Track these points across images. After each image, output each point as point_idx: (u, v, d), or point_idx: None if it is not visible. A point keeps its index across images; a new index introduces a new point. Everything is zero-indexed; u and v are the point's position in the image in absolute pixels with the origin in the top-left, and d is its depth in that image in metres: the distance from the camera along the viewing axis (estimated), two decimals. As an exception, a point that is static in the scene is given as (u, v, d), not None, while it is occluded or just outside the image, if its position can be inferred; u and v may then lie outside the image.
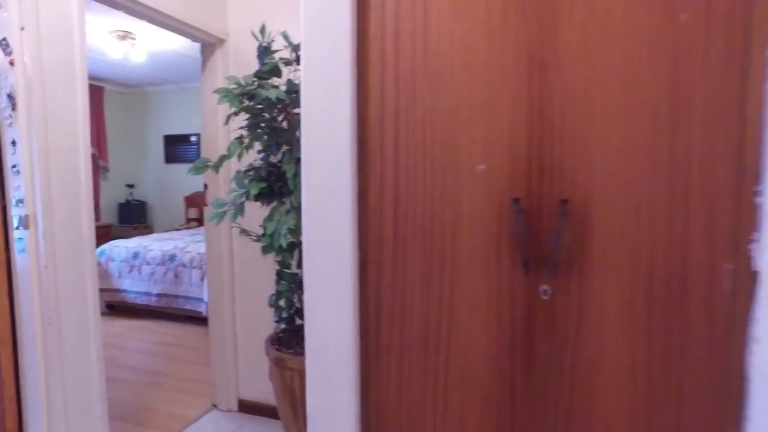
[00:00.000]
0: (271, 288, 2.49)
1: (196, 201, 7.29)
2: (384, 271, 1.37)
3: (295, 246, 2.15)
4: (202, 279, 4.66)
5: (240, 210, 2.11)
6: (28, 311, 2.02)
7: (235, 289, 3.05)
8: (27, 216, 1.97)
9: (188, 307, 4.75)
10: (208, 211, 2.83)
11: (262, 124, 2.11)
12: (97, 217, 6.89)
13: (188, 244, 5.06)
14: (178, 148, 7.40)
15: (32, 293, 1.98)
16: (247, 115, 2.11)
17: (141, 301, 4.94)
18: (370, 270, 1.39)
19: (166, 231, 7.02)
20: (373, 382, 1.41)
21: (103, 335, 4.72)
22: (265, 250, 2.08)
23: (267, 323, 2.80)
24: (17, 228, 2.00)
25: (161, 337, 4.50)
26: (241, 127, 2.16)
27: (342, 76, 1.32)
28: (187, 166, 7.40)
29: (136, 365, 3.85)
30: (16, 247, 2.03)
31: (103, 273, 5.12)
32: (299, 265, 2.27)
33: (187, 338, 4.44)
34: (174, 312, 4.93)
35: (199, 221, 7.23)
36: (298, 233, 2.01)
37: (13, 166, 2.00)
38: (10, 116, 1.97)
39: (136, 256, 5.02)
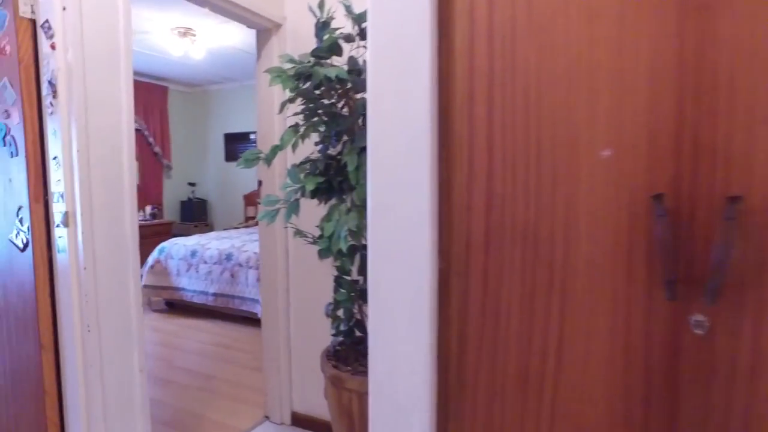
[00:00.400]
0: (328, 295, 2.23)
1: (254, 199, 7.22)
2: (472, 286, 1.06)
3: (357, 250, 1.88)
4: (258, 280, 4.50)
5: (294, 208, 1.86)
6: (68, 315, 1.85)
7: (290, 294, 2.82)
8: (67, 213, 1.80)
9: (244, 308, 4.61)
10: (260, 210, 2.62)
11: (320, 111, 1.85)
12: (160, 215, 6.96)
13: (245, 243, 4.93)
14: (238, 146, 7.36)
15: (72, 297, 1.81)
16: (303, 101, 1.86)
17: (198, 300, 4.85)
18: (453, 284, 1.08)
19: (225, 229, 6.99)
20: (453, 428, 1.11)
21: (160, 334, 4.72)
22: (323, 254, 1.82)
23: (324, 332, 2.55)
24: (58, 225, 1.83)
25: (216, 337, 4.38)
26: (296, 113, 1.91)
27: (419, 36, 1.03)
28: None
29: (189, 367, 3.72)
30: (57, 246, 1.87)
31: (162, 271, 5.08)
32: (360, 272, 2.00)
33: (241, 340, 4.30)
34: (230, 312, 4.81)
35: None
36: (360, 235, 1.73)
37: (54, 158, 1.83)
38: (51, 104, 1.81)
39: (193, 254, 4.95)
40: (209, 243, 5.03)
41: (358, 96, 1.83)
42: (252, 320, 4.66)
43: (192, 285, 4.91)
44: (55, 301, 1.92)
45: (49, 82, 1.80)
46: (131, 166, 1.96)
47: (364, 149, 1.65)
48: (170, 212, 7.45)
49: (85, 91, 1.80)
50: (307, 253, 2.66)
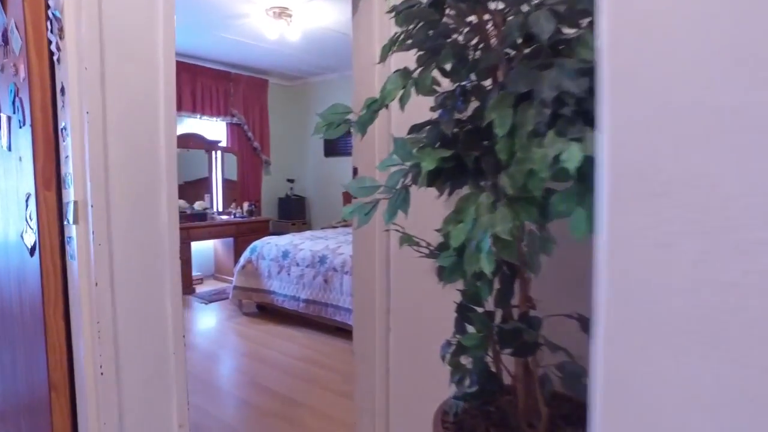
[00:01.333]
0: (447, 327, 1.50)
1: (352, 196, 6.68)
2: None
3: (501, 269, 1.13)
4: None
5: (401, 201, 1.15)
6: (78, 349, 1.29)
7: (391, 318, 2.12)
8: (76, 203, 1.23)
9: (338, 318, 4.02)
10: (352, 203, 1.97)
11: (444, 41, 1.11)
12: (257, 212, 6.65)
13: (341, 245, 4.35)
14: (339, 140, 6.87)
15: (81, 323, 1.24)
16: (417, 28, 1.13)
17: (289, 305, 4.35)
18: None
19: (322, 228, 6.51)
20: None
21: (246, 342, 4.29)
22: (447, 275, 1.09)
23: (438, 378, 1.82)
24: (66, 222, 1.27)
25: (305, 351, 3.83)
26: (409, 46, 1.18)
27: None
28: (348, 158, 6.83)
29: (272, 386, 3.17)
30: (68, 250, 1.31)
31: (254, 271, 4.65)
32: (500, 302, 1.25)
33: (333, 356, 3.70)
34: (322, 321, 4.25)
35: (356, 219, 6.61)
36: (512, 248, 0.98)
37: (63, 128, 1.28)
38: (58, 48, 1.25)
39: (285, 255, 4.45)
40: (302, 243, 4.52)
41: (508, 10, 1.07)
42: (346, 332, 4.06)
43: (283, 289, 4.42)
44: (71, 327, 1.37)
45: (54, 17, 1.24)
46: (170, 138, 1.36)
47: (524, 97, 0.91)
48: (268, 209, 7.14)
49: (100, 27, 1.22)
50: (419, 267, 1.95)
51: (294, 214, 7.01)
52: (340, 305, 4.00)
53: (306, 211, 7.29)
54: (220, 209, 6.29)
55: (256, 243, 4.80)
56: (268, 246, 4.65)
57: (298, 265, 4.32)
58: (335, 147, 6.91)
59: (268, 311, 4.79)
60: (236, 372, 3.47)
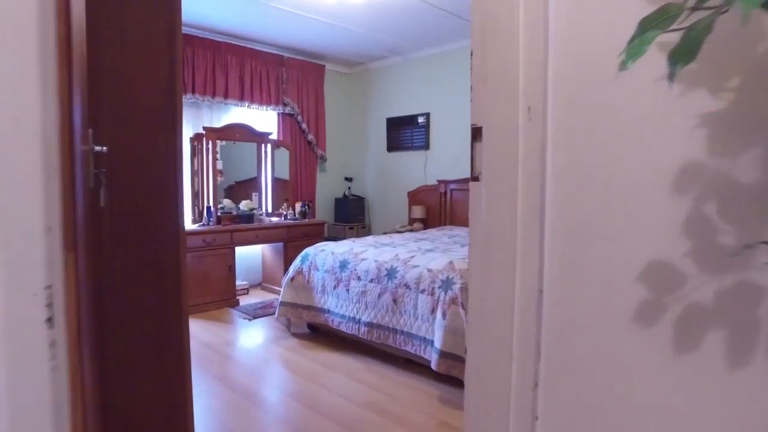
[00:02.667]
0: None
1: (421, 197, 5.73)
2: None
3: None
4: (433, 311, 2.93)
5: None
6: None
7: (540, 398, 1.14)
8: None
9: (409, 348, 3.06)
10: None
11: None
12: (312, 214, 5.81)
13: (414, 254, 3.39)
14: (402, 132, 5.95)
15: None
16: None
17: (347, 328, 3.44)
18: None
19: (385, 233, 5.58)
20: None
21: (292, 374, 3.12)
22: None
23: None
24: None
25: (365, 389, 2.89)
26: None
27: None
28: (413, 154, 5.88)
29: (328, 455, 2.25)
30: None
31: (304, 285, 3.78)
32: None
33: (402, 399, 2.75)
34: (390, 351, 3.32)
35: (425, 222, 5.65)
36: None
37: None
38: None
39: (344, 266, 3.55)
40: (365, 252, 3.59)
41: None
42: (419, 366, 3.10)
43: (340, 308, 3.51)
44: None
45: None
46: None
47: None
48: (323, 211, 6.30)
49: None
50: (616, 309, 0.97)
51: (352, 216, 6.14)
52: (413, 332, 3.04)
53: (366, 214, 6.41)
54: (269, 210, 5.49)
55: (309, 250, 3.93)
56: (323, 254, 3.77)
57: (359, 279, 3.41)
58: (399, 141, 5.98)
59: (321, 332, 3.90)
60: (276, 420, 2.59)
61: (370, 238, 4.28)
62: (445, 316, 2.80)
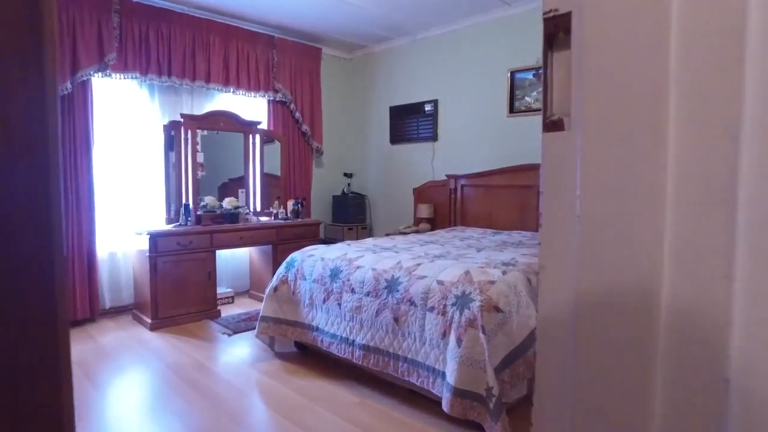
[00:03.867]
0: None
1: (428, 194, 5.08)
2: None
3: None
4: (444, 335, 2.29)
5: None
6: None
7: None
8: None
9: (414, 379, 2.42)
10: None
11: None
12: (305, 213, 5.18)
13: (420, 261, 2.75)
14: (408, 122, 5.31)
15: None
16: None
17: (338, 350, 2.81)
18: None
19: (387, 235, 4.95)
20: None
21: (271, 410, 2.14)
22: None
23: None
24: None
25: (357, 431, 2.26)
26: None
27: None
28: (419, 146, 5.23)
29: None
30: None
31: (288, 297, 3.15)
32: None
33: (410, 456, 2.11)
34: (390, 380, 2.68)
35: (432, 222, 5.01)
36: None
37: None
38: None
39: (335, 274, 2.91)
40: (360, 258, 2.96)
41: None
42: (428, 402, 2.46)
43: (330, 326, 2.88)
44: None
45: None
46: None
47: None
48: (319, 210, 5.67)
49: None
50: None
51: (352, 216, 5.51)
52: (419, 360, 2.40)
53: (367, 213, 5.77)
54: (258, 208, 4.87)
55: (295, 255, 3.29)
56: (311, 260, 3.13)
57: (353, 291, 2.77)
58: (404, 132, 5.34)
59: (310, 352, 3.27)
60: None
61: (369, 241, 3.64)
62: (461, 343, 2.16)
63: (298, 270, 3.16)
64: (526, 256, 2.87)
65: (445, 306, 2.32)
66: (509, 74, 4.42)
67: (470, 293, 2.26)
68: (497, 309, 2.20)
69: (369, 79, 5.74)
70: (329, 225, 5.59)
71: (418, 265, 2.65)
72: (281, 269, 3.27)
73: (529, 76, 4.29)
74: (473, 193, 4.71)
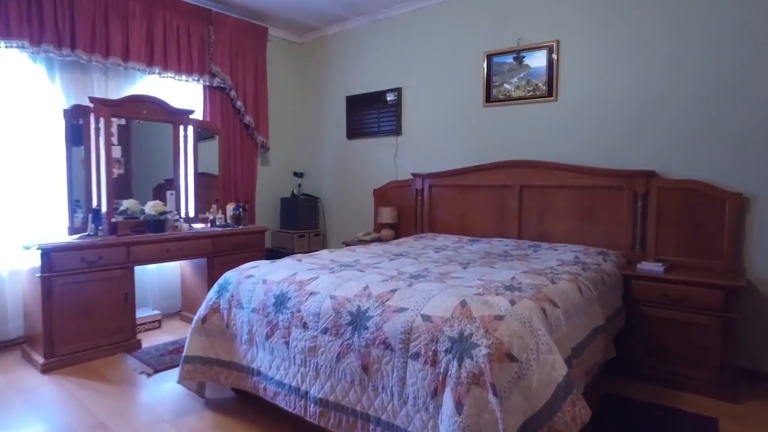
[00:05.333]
0: None
1: (391, 196, 4.41)
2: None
3: None
4: (436, 393, 1.61)
5: None
6: None
7: None
8: None
9: (392, 450, 1.74)
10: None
11: None
12: (248, 218, 4.40)
13: (395, 285, 2.05)
14: (367, 114, 4.61)
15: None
16: None
17: (287, 403, 2.08)
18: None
19: (346, 244, 4.25)
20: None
21: None
22: None
23: None
24: None
25: None
26: None
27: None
28: (380, 141, 4.54)
29: None
30: None
31: (222, 331, 2.39)
32: None
33: None
34: (356, 447, 1.98)
35: (396, 228, 4.34)
36: None
37: None
38: None
39: (281, 303, 2.18)
40: (314, 280, 2.23)
41: None
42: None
43: (276, 370, 2.15)
44: None
45: None
46: None
47: None
48: (265, 215, 4.89)
49: None
50: None
51: (303, 221, 4.76)
52: (398, 425, 1.72)
53: (320, 218, 5.04)
54: (191, 214, 4.04)
55: (229, 276, 2.53)
56: (249, 282, 2.38)
57: (305, 326, 2.05)
58: (362, 125, 4.65)
59: (251, 401, 2.52)
60: None
61: (324, 254, 2.92)
62: (462, 409, 1.49)
63: (233, 295, 2.40)
64: (527, 275, 2.24)
65: (435, 352, 1.64)
66: (485, 58, 3.81)
67: (471, 335, 1.60)
68: (511, 357, 1.55)
69: (322, 66, 5.01)
70: (277, 232, 4.82)
71: (393, 291, 1.95)
72: (211, 294, 2.50)
73: (509, 59, 3.69)
74: (444, 194, 4.07)
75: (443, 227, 4.07)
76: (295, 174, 5.05)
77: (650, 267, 2.93)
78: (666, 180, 3.11)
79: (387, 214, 4.29)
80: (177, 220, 3.76)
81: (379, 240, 4.29)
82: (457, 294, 1.83)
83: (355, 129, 4.70)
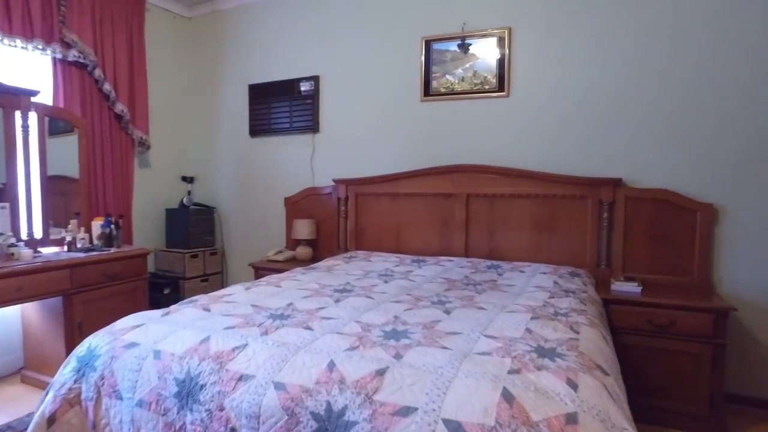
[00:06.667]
0: None
1: (308, 206, 3.63)
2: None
3: None
4: None
5: None
6: None
7: None
8: None
9: None
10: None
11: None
12: (126, 238, 3.34)
13: (373, 354, 1.33)
14: (276, 107, 3.77)
15: None
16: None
17: None
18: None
19: (254, 268, 3.41)
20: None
21: None
22: None
23: None
24: None
25: None
26: None
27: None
28: (293, 140, 3.73)
29: None
30: None
31: (86, 436, 1.48)
32: None
33: None
34: None
35: (314, 245, 3.59)
36: None
37: None
38: None
39: (188, 393, 1.34)
40: (243, 350, 1.42)
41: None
42: None
43: (182, 507, 1.31)
44: None
45: None
46: None
47: None
48: (146, 231, 3.83)
49: None
50: None
51: (196, 237, 3.79)
52: None
53: (217, 233, 4.09)
54: (37, 234, 2.91)
55: (96, 344, 1.60)
56: (131, 356, 1.49)
57: (235, 437, 1.25)
58: (270, 120, 3.80)
59: None
60: None
61: (239, 294, 2.07)
62: None
63: (103, 377, 1.50)
64: (539, 322, 1.64)
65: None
66: (423, 44, 3.21)
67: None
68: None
69: (219, 47, 4.06)
70: (162, 252, 3.79)
71: (380, 374, 1.23)
72: (65, 373, 1.56)
73: (453, 47, 3.12)
74: (373, 204, 3.40)
75: (373, 244, 3.39)
76: (184, 179, 4.05)
77: (626, 288, 2.53)
78: (634, 189, 2.75)
79: (304, 229, 3.50)
80: (14, 245, 2.64)
81: (294, 260, 3.50)
82: (488, 377, 1.16)
83: (261, 125, 3.84)
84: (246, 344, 1.43)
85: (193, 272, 3.69)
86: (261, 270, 3.38)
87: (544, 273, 2.56)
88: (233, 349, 1.41)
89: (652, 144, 2.73)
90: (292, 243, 3.63)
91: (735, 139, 2.56)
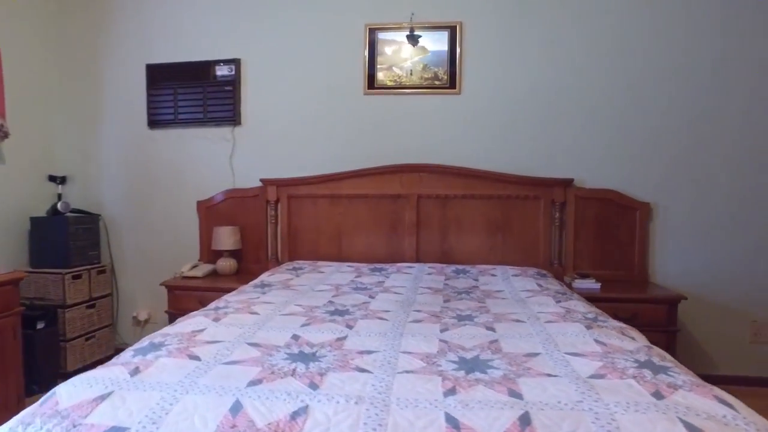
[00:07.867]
0: None
1: (229, 211, 3.07)
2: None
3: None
4: None
5: None
6: None
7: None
8: None
9: None
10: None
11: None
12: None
13: None
14: (184, 93, 3.11)
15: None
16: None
17: None
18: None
19: (171, 290, 2.79)
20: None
21: None
22: None
23: None
24: None
25: None
26: None
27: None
28: (207, 133, 3.15)
29: None
30: None
31: None
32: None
33: None
34: None
35: (238, 257, 3.07)
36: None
37: None
38: None
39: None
40: (299, 398, 1.00)
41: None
42: None
43: None
44: None
45: None
46: None
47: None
48: (6, 247, 2.89)
49: None
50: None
51: (75, 252, 2.95)
52: None
53: (103, 247, 3.26)
54: None
55: None
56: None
57: None
58: (177, 109, 3.13)
59: None
60: None
61: (209, 326, 1.57)
62: None
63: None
64: (595, 334, 1.48)
65: None
66: (367, 32, 2.90)
67: None
68: None
69: (105, 14, 3.22)
70: (30, 273, 2.88)
71: (526, 423, 0.94)
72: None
73: (401, 38, 2.88)
74: (310, 207, 2.99)
75: (310, 253, 2.98)
76: (53, 179, 3.15)
77: (585, 285, 2.56)
78: (582, 189, 2.80)
79: (227, 238, 2.95)
80: None
81: (216, 274, 2.94)
82: (650, 405, 0.95)
83: (163, 114, 3.14)
84: (306, 405, 1.01)
85: (76, 297, 2.87)
86: (177, 290, 2.75)
87: (517, 275, 2.46)
88: (291, 416, 0.98)
89: (597, 145, 2.81)
90: (211, 255, 3.04)
91: (664, 142, 2.76)
